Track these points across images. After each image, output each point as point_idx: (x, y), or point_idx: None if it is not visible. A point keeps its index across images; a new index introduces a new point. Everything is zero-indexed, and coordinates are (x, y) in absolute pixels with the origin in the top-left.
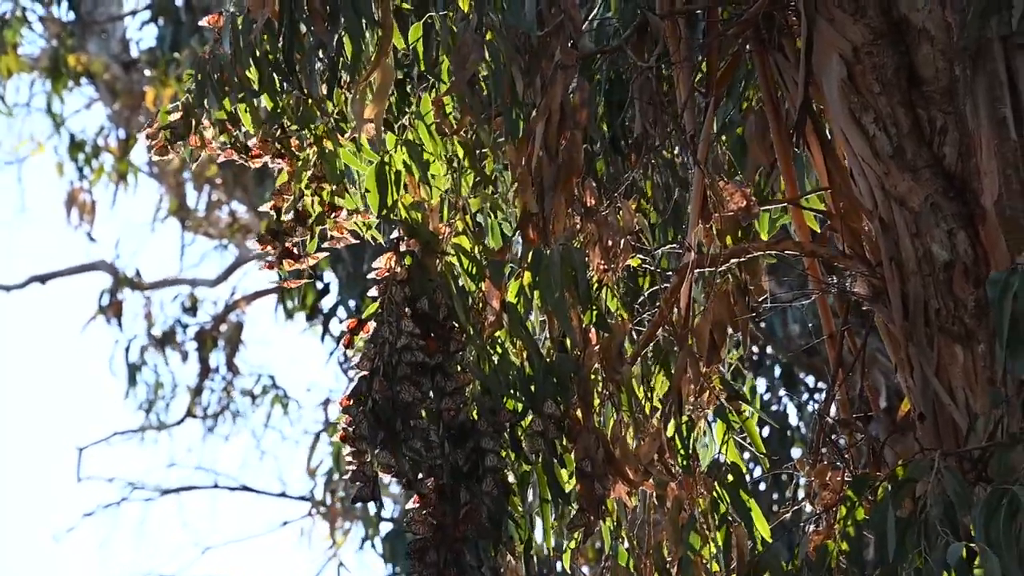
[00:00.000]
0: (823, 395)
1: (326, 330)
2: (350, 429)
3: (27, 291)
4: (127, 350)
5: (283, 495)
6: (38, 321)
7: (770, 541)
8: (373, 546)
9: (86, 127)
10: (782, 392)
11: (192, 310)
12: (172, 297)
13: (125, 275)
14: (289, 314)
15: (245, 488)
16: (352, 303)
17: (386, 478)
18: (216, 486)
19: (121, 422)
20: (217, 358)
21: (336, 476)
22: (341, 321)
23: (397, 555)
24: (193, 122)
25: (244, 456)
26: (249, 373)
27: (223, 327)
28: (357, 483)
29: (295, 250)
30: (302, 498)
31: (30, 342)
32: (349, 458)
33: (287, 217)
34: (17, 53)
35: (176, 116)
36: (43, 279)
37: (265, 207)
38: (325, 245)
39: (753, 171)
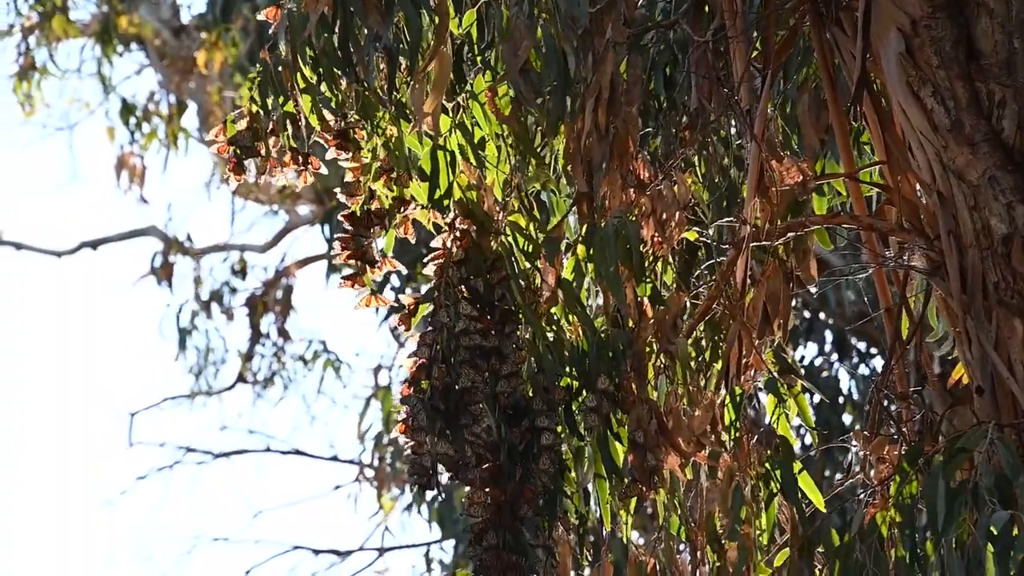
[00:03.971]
0: (874, 360)
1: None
2: (409, 420)
3: (78, 257)
4: (178, 314)
5: (335, 459)
6: (89, 287)
7: (823, 511)
8: (419, 512)
9: (136, 93)
10: (834, 358)
11: (242, 274)
12: (222, 261)
13: (176, 239)
14: (335, 269)
15: (297, 452)
16: (404, 271)
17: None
18: (268, 450)
19: (172, 387)
20: (267, 323)
21: (385, 440)
22: (393, 289)
23: (444, 520)
24: (259, 131)
25: (294, 421)
26: (300, 338)
27: (273, 292)
28: (415, 476)
29: (374, 255)
30: (352, 462)
31: (82, 308)
32: (408, 451)
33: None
34: (68, 17)
35: (242, 124)
36: (94, 245)
37: (340, 214)
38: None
39: (809, 152)
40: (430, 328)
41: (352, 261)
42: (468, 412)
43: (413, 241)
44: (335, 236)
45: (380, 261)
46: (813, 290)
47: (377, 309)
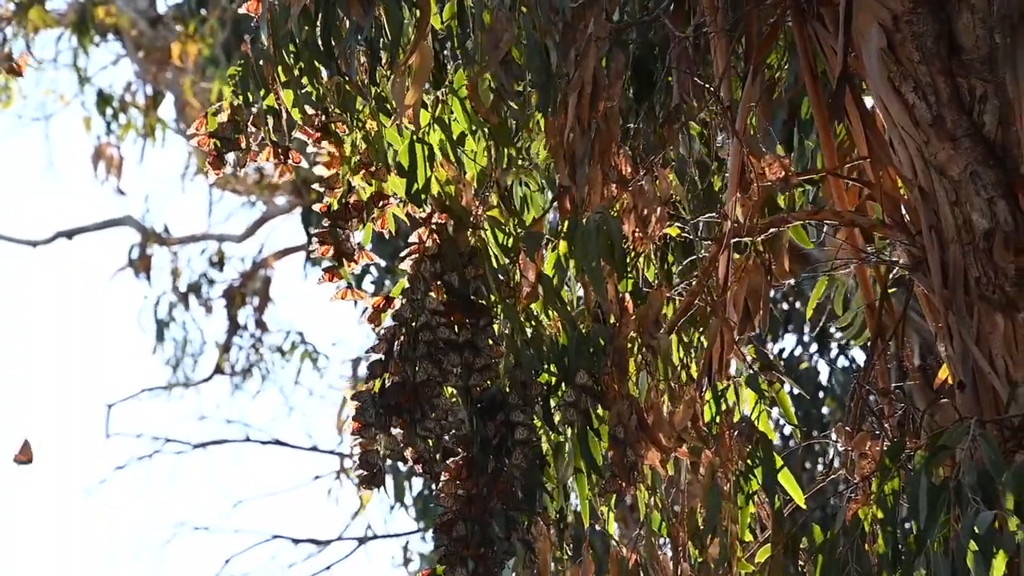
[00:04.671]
0: (852, 352)
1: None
2: (359, 416)
3: (54, 247)
4: (155, 306)
5: (314, 449)
6: (65, 277)
7: (804, 507)
8: (404, 507)
9: (113, 83)
10: (813, 348)
11: (219, 265)
12: (199, 252)
13: (153, 230)
14: (314, 263)
15: (277, 442)
16: (383, 263)
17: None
18: (248, 439)
19: (149, 379)
20: (245, 315)
21: None
22: (373, 283)
23: (429, 514)
24: (240, 124)
25: (272, 412)
26: (278, 329)
27: (251, 284)
28: (362, 471)
29: (351, 249)
30: (332, 452)
31: (57, 298)
32: (356, 447)
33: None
34: (44, 7)
35: (223, 117)
36: (69, 234)
37: (317, 207)
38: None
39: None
40: (393, 323)
41: (330, 255)
42: (426, 406)
43: (390, 236)
44: (313, 231)
45: (357, 254)
46: (793, 283)
47: (356, 302)
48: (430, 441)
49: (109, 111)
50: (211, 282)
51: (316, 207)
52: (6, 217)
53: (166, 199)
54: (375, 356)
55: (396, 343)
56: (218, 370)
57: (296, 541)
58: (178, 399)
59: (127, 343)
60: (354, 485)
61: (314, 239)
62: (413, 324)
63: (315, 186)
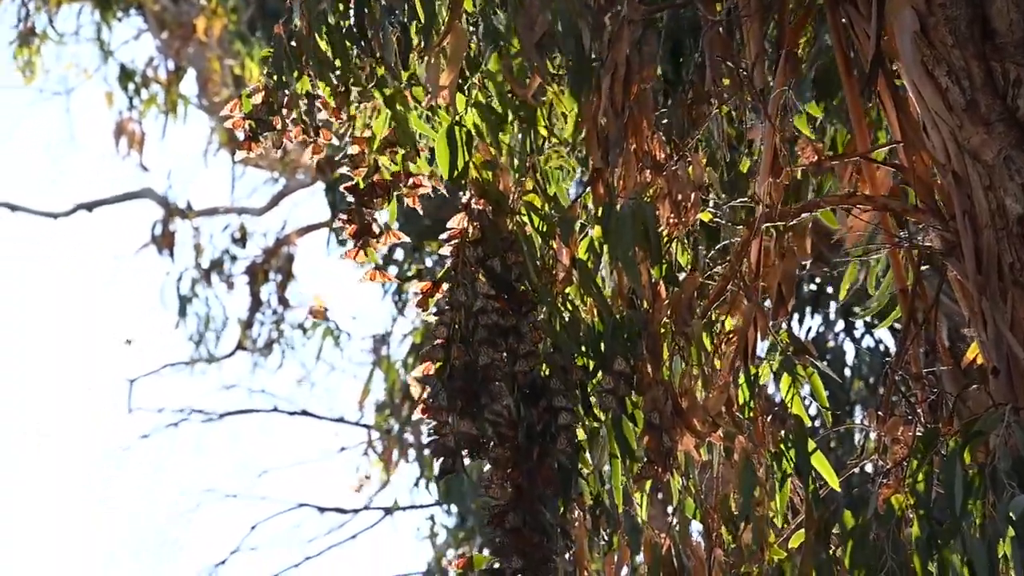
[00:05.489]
0: (878, 332)
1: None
2: (429, 401)
3: (74, 219)
4: (178, 282)
5: (341, 420)
6: (85, 249)
7: (838, 490)
8: (427, 487)
9: (135, 58)
10: (839, 327)
11: (242, 241)
12: (222, 228)
13: (176, 205)
14: (341, 243)
15: (304, 413)
16: (408, 241)
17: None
18: (276, 409)
19: (171, 354)
20: (267, 291)
21: (388, 411)
22: (396, 263)
23: (452, 494)
24: (274, 105)
25: (293, 387)
26: (299, 304)
27: (274, 260)
28: (441, 457)
29: (376, 227)
30: (358, 424)
31: (77, 270)
32: (430, 431)
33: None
34: None
35: (257, 99)
36: (89, 207)
37: (343, 186)
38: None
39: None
40: (448, 307)
41: (356, 234)
42: (488, 390)
43: (410, 215)
44: (340, 209)
45: (384, 233)
46: (825, 268)
47: (384, 284)
48: (491, 426)
49: (131, 86)
50: (233, 258)
51: (341, 187)
52: (28, 189)
53: (188, 175)
54: (439, 339)
55: (455, 327)
56: (240, 346)
57: (322, 510)
58: (200, 375)
59: (148, 317)
60: (435, 470)
61: (340, 217)
62: (472, 307)
63: (341, 168)
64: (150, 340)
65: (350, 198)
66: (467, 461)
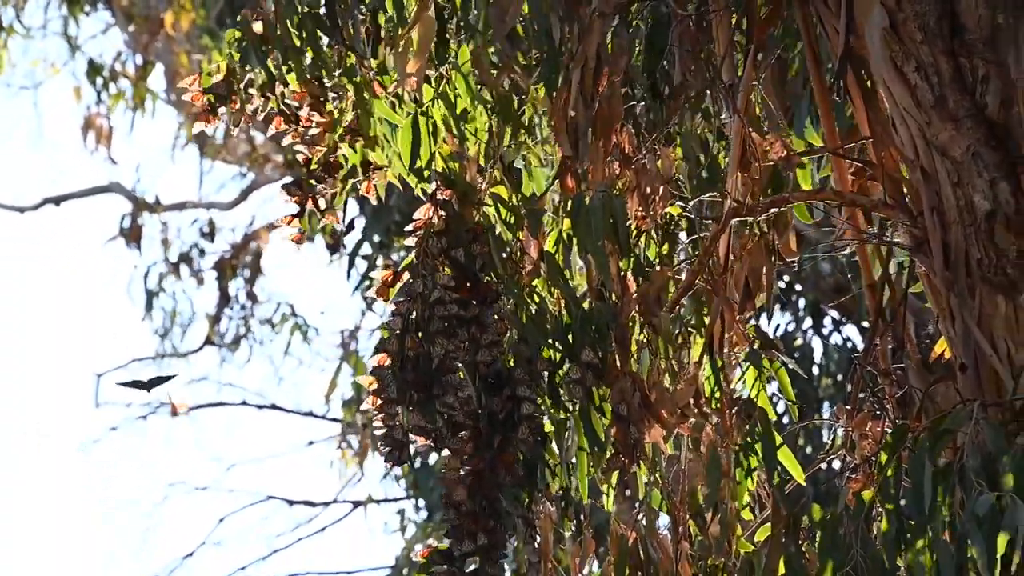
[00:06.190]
0: (846, 329)
1: (352, 265)
2: (380, 392)
3: (41, 213)
4: (145, 276)
5: (310, 414)
6: (53, 243)
7: (803, 485)
8: (397, 479)
9: (103, 52)
10: (807, 325)
11: (210, 236)
12: (190, 222)
13: (144, 199)
14: (310, 238)
15: (274, 407)
16: (376, 238)
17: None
18: (244, 403)
19: (138, 348)
20: (236, 286)
21: (355, 406)
22: (365, 258)
23: (420, 487)
24: (235, 85)
25: (261, 383)
26: (268, 299)
27: (242, 255)
28: (388, 448)
29: (322, 203)
30: (326, 418)
31: (45, 264)
32: (379, 422)
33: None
34: None
35: (218, 76)
36: (57, 201)
37: (297, 157)
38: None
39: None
40: (406, 297)
41: (298, 204)
42: (441, 382)
43: (380, 207)
44: (289, 182)
45: (328, 213)
46: (792, 263)
47: (348, 274)
48: (444, 416)
49: (99, 80)
50: (202, 252)
51: (298, 157)
52: None
53: (156, 169)
54: (394, 330)
55: (411, 317)
56: (208, 341)
57: (291, 502)
58: (167, 369)
59: (115, 311)
60: (382, 459)
61: (285, 187)
62: (429, 298)
63: (298, 147)
64: (118, 334)
65: (303, 172)
66: (432, 453)
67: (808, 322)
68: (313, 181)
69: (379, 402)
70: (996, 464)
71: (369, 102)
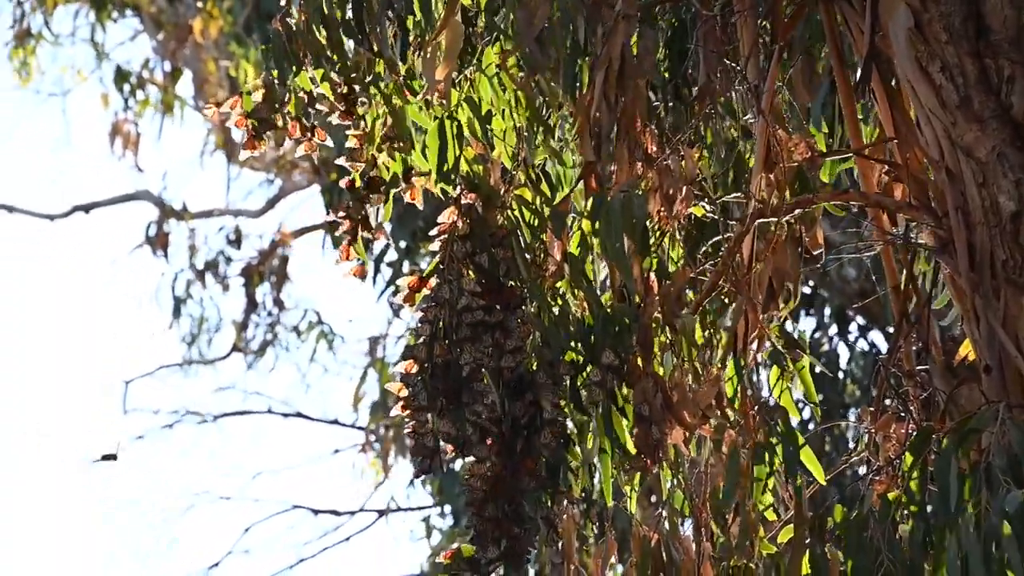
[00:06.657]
0: (871, 334)
1: (377, 270)
2: (410, 399)
3: (71, 220)
4: (173, 283)
5: (335, 422)
6: (82, 250)
7: (824, 484)
8: (423, 484)
9: (131, 59)
10: (833, 330)
11: (237, 243)
12: (217, 229)
13: (171, 207)
14: (336, 242)
15: (299, 415)
16: (403, 243)
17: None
18: (270, 411)
19: (165, 355)
20: (263, 292)
21: (382, 413)
22: (390, 265)
23: (446, 493)
24: (274, 103)
25: (287, 390)
26: (295, 306)
27: (269, 262)
28: (419, 457)
29: (371, 223)
30: (352, 426)
31: (74, 271)
32: (409, 430)
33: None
34: None
35: (258, 97)
36: (86, 208)
37: (342, 181)
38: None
39: (803, 112)
40: (432, 304)
41: (351, 230)
42: (470, 389)
43: (402, 216)
44: (336, 205)
45: (376, 230)
46: (818, 264)
47: (374, 280)
48: (474, 425)
49: (127, 87)
50: (228, 260)
51: (341, 183)
52: (24, 191)
53: (184, 176)
54: (422, 336)
55: (439, 324)
56: (235, 348)
57: (316, 512)
58: (194, 376)
59: (143, 318)
60: (412, 468)
61: (337, 213)
62: (456, 304)
63: (339, 160)
64: (145, 341)
65: (349, 196)
66: (457, 460)
67: (834, 328)
68: (359, 202)
69: (409, 410)
70: (1021, 464)
71: (401, 108)
